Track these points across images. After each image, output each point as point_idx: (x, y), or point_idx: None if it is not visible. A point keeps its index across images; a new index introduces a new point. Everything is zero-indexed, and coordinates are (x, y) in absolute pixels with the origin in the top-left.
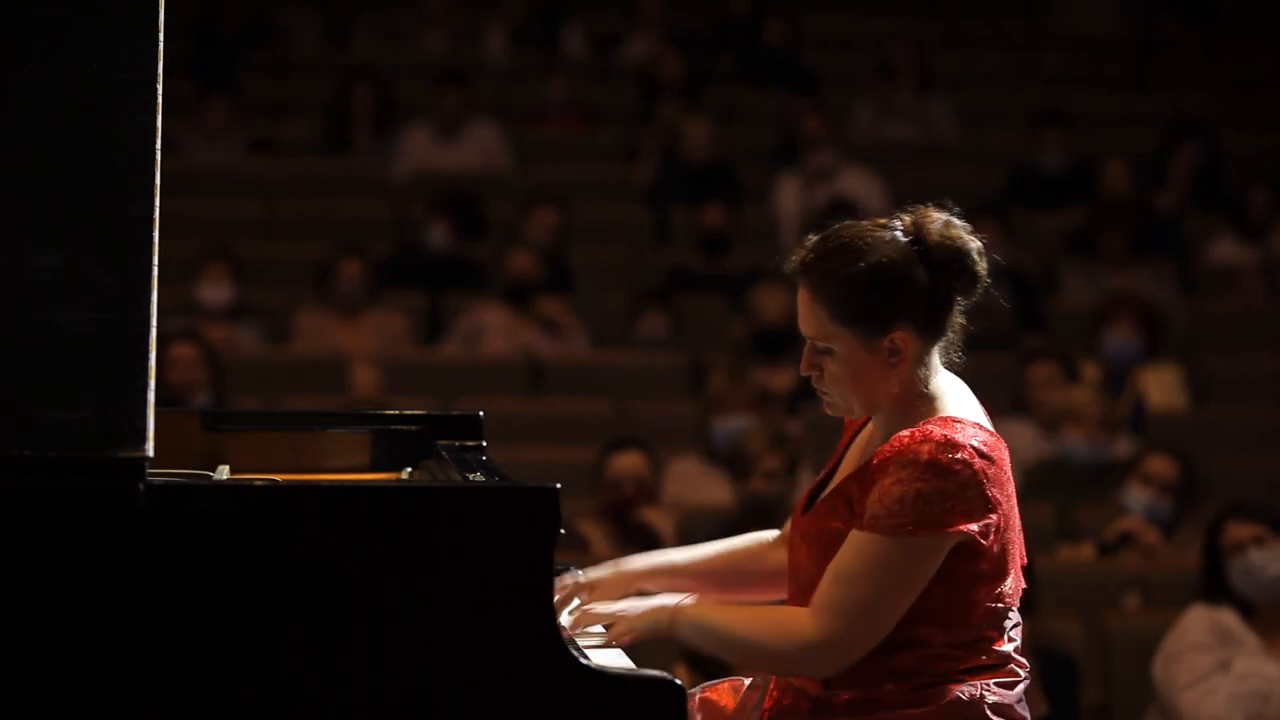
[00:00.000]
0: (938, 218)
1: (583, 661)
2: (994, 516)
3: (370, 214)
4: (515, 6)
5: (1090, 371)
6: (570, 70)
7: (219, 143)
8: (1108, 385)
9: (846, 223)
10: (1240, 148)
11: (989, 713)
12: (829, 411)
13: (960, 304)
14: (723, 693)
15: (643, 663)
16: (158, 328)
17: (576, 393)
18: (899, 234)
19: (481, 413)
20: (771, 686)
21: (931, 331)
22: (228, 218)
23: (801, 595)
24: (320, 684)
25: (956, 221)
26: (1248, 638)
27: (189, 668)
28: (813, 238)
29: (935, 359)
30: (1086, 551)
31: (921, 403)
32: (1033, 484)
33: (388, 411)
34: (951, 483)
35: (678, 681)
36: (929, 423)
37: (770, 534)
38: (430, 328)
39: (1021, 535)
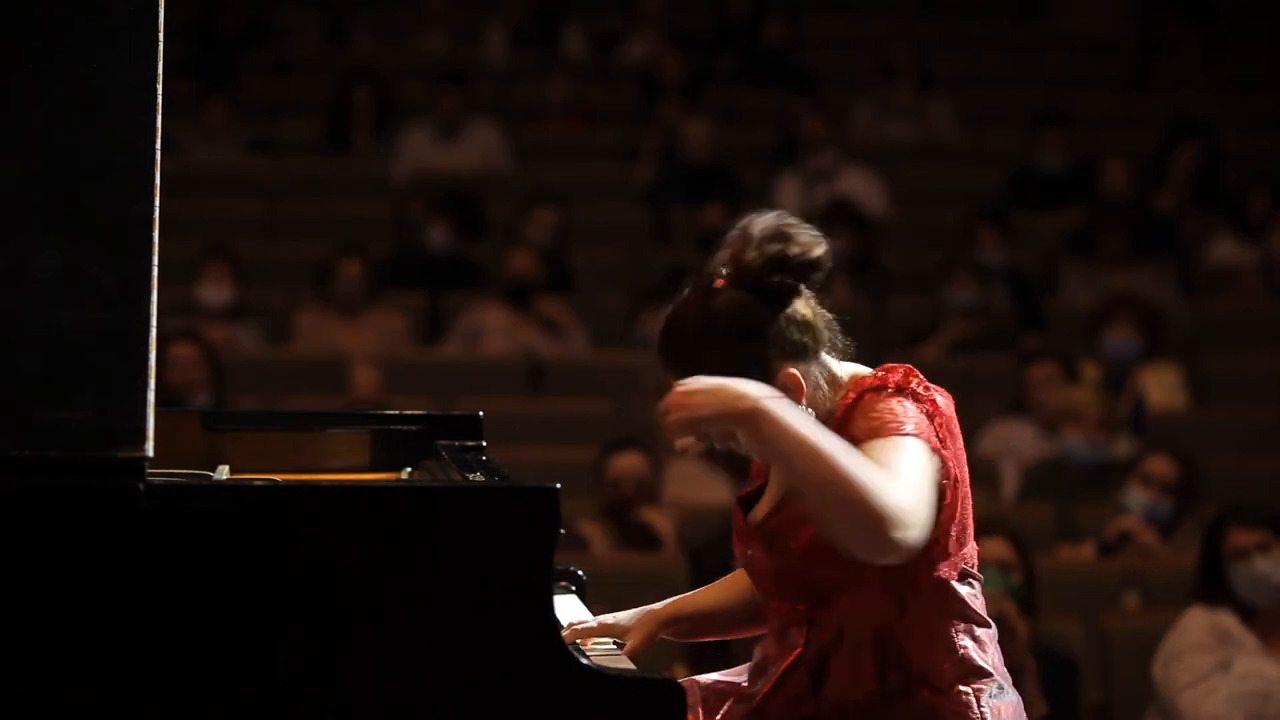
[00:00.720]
0: (747, 241)
1: (583, 661)
2: (947, 454)
3: (370, 214)
4: (515, 6)
5: (1090, 371)
6: (570, 70)
7: (219, 143)
8: (1108, 385)
9: (675, 303)
10: (1240, 148)
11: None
12: (766, 464)
13: (811, 304)
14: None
15: (642, 663)
16: (158, 328)
17: (576, 393)
18: (722, 287)
19: (481, 413)
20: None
21: (808, 350)
22: (228, 218)
23: (786, 594)
24: (320, 684)
25: (761, 222)
26: (1247, 639)
27: (189, 668)
28: (659, 339)
29: (828, 362)
30: (1086, 551)
31: (841, 394)
32: (1033, 484)
33: (388, 411)
34: (920, 407)
35: (678, 681)
36: (865, 378)
37: None
38: (430, 328)
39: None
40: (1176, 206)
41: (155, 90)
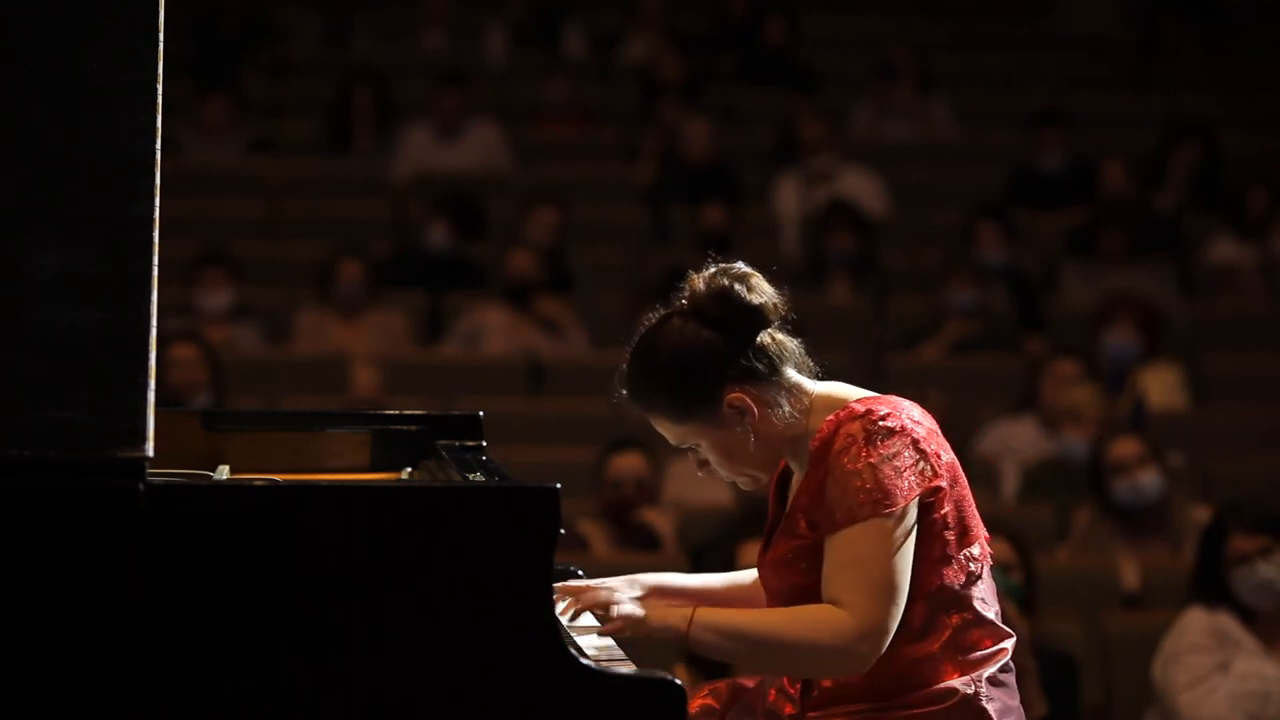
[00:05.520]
0: (703, 275)
1: (583, 661)
2: (942, 470)
3: (370, 214)
4: (515, 6)
5: None
6: (570, 70)
7: (219, 143)
8: (1108, 385)
9: (639, 333)
10: (1240, 148)
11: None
12: (745, 488)
13: (768, 333)
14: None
15: (643, 662)
16: (158, 328)
17: (576, 393)
18: (676, 316)
19: (481, 413)
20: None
21: (759, 374)
22: (228, 218)
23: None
24: (320, 683)
25: (733, 266)
26: (1246, 640)
27: (189, 667)
28: (624, 365)
29: (795, 382)
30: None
31: (816, 417)
32: (1033, 484)
33: (388, 411)
34: (896, 446)
35: (678, 681)
36: (847, 406)
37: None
38: (430, 328)
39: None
40: (1176, 206)
41: (155, 90)
